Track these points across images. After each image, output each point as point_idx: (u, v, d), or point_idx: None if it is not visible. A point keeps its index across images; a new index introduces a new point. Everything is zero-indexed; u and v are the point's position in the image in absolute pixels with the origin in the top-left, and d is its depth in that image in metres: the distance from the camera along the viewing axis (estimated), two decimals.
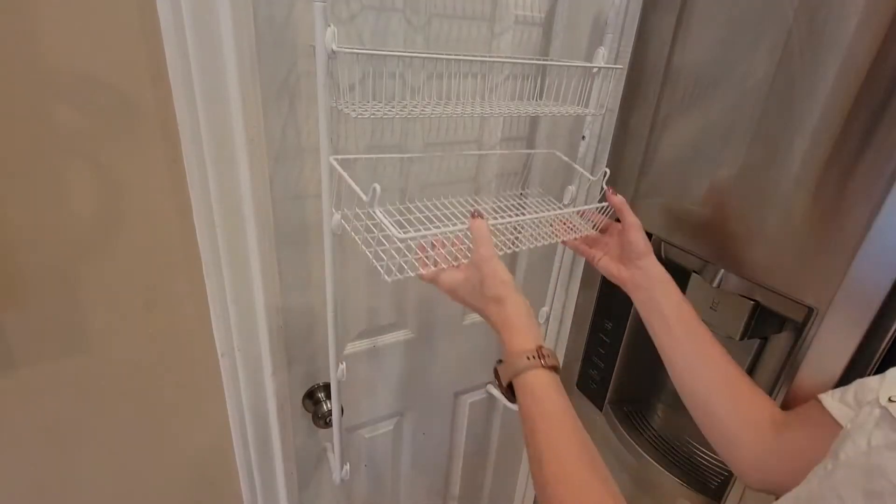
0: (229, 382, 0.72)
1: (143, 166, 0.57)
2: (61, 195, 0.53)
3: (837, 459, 0.37)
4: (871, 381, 0.44)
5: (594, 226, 0.72)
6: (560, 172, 0.91)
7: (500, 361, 0.52)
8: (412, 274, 0.55)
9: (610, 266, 0.68)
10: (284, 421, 0.78)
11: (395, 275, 0.55)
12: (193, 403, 0.72)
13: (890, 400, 0.37)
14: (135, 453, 0.70)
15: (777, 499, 0.42)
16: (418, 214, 0.69)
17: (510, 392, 0.51)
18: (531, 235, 0.69)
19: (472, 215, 0.55)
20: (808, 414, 0.49)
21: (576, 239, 0.72)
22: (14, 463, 0.62)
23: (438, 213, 0.71)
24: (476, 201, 0.86)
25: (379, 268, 0.55)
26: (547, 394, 0.47)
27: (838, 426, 0.44)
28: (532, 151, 0.88)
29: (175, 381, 0.69)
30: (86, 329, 0.60)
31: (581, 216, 0.73)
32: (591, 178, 0.75)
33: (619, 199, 0.67)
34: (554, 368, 0.49)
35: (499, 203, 0.79)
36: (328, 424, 0.82)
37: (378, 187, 0.51)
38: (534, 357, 0.48)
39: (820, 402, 0.46)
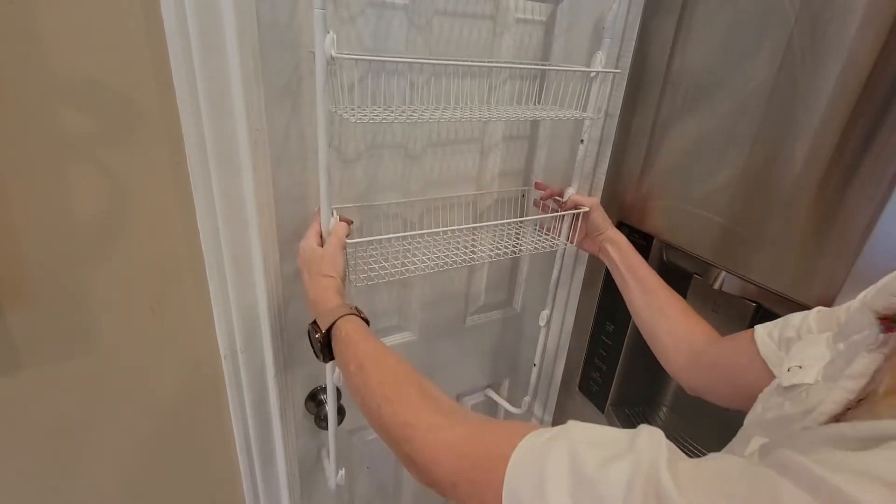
0: (232, 384, 0.73)
1: (148, 169, 0.57)
2: (67, 198, 0.54)
3: (743, 423, 0.43)
4: (794, 319, 0.50)
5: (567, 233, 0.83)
6: (559, 174, 0.92)
7: (313, 322, 0.58)
8: (375, 281, 0.64)
9: (582, 243, 0.82)
10: (287, 422, 0.79)
11: (361, 281, 0.63)
12: (196, 405, 0.73)
13: (788, 370, 0.41)
14: (138, 454, 0.71)
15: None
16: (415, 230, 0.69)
17: (326, 347, 0.57)
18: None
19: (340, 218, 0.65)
20: (741, 337, 0.56)
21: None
22: (18, 462, 0.62)
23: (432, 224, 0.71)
24: (475, 203, 0.87)
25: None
26: (368, 332, 0.55)
27: (757, 351, 0.51)
28: (525, 188, 0.90)
29: (178, 382, 0.70)
30: (90, 331, 0.61)
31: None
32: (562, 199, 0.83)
33: (573, 198, 0.80)
34: (366, 321, 0.57)
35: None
36: None
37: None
38: (351, 308, 0.57)
39: (753, 329, 0.54)
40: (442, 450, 0.39)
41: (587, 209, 0.78)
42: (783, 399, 0.39)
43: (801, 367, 0.40)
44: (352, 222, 0.68)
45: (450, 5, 0.68)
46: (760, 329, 0.53)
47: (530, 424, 0.37)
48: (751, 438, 0.37)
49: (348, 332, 0.54)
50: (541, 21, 0.77)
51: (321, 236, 0.64)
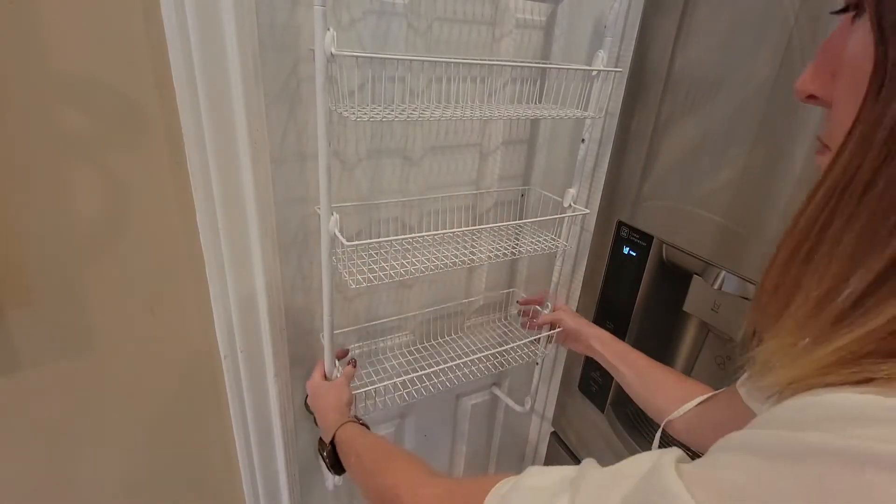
0: (232, 384, 0.73)
1: (148, 169, 0.57)
2: (67, 198, 0.54)
3: None
4: None
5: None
6: (559, 176, 0.92)
7: (319, 440, 0.69)
8: (375, 283, 0.66)
9: (567, 345, 0.88)
10: (286, 422, 0.79)
11: (360, 283, 0.65)
12: (196, 405, 0.73)
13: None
14: (137, 454, 0.71)
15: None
16: (416, 235, 0.70)
17: (335, 459, 0.64)
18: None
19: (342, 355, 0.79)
20: (728, 391, 0.59)
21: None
22: (18, 462, 0.62)
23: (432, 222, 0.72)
24: (473, 207, 0.87)
25: (345, 275, 0.66)
26: (365, 431, 0.62)
27: (742, 402, 0.54)
28: (525, 188, 0.90)
29: (178, 382, 0.70)
30: (89, 331, 0.60)
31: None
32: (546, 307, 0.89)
33: (544, 318, 0.87)
34: (365, 426, 0.65)
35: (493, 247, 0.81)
36: None
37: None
38: (350, 418, 0.65)
39: (735, 385, 0.58)
40: (427, 503, 0.46)
41: (560, 329, 0.85)
42: None
43: None
44: (355, 365, 0.77)
45: (449, 8, 0.68)
46: (738, 384, 0.57)
47: (500, 476, 0.40)
48: None
49: (347, 435, 0.62)
50: (540, 22, 0.78)
51: (325, 376, 0.74)
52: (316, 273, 0.75)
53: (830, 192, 0.26)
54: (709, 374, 0.85)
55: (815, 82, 0.30)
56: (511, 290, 1.01)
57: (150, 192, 0.58)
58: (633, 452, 0.90)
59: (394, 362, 0.77)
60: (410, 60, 0.62)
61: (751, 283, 0.70)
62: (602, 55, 0.70)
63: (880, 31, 0.24)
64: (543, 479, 0.37)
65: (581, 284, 1.01)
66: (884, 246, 0.24)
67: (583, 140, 0.78)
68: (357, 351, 0.86)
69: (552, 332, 0.86)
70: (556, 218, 0.81)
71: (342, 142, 0.69)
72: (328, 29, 0.49)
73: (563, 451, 1.12)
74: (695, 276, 0.78)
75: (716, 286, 0.74)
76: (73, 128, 0.52)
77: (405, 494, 0.48)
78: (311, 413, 0.85)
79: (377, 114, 0.56)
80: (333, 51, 0.50)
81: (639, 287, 0.87)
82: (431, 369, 0.78)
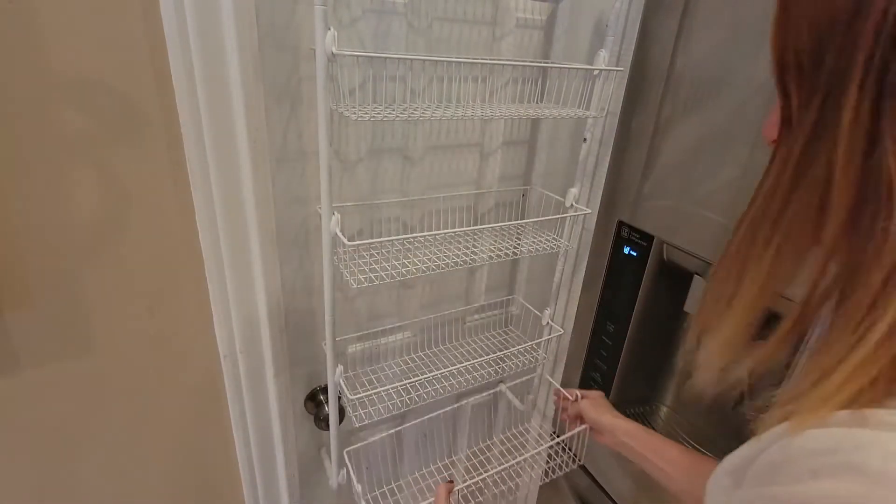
0: (231, 385, 0.73)
1: (148, 169, 0.57)
2: (66, 198, 0.54)
3: None
4: None
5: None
6: (560, 176, 0.91)
7: None
8: (377, 283, 0.66)
9: (595, 438, 0.82)
10: (286, 423, 0.78)
11: (362, 283, 0.64)
12: (196, 406, 0.73)
13: None
14: (137, 455, 0.71)
15: None
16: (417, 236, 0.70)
17: None
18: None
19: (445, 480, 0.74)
20: None
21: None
22: (17, 463, 0.62)
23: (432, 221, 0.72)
24: (473, 208, 0.87)
25: (346, 275, 0.65)
26: None
27: None
28: (526, 187, 0.90)
29: (178, 383, 0.69)
30: (88, 331, 0.60)
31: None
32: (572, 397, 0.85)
33: (564, 415, 0.86)
34: None
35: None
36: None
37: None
38: None
39: None
40: None
41: (585, 427, 0.81)
42: None
43: None
44: (452, 482, 0.74)
45: (449, 7, 0.68)
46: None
47: None
48: None
49: None
50: (541, 21, 0.77)
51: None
52: (317, 273, 0.75)
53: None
54: None
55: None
56: (512, 296, 1.01)
57: (150, 192, 0.58)
58: None
59: (395, 369, 0.77)
60: (411, 60, 0.62)
61: None
62: (603, 54, 0.70)
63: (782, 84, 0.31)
64: None
65: (582, 285, 1.01)
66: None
67: (585, 139, 0.78)
68: (361, 350, 0.86)
69: (577, 430, 0.82)
70: (557, 218, 0.81)
71: (343, 141, 0.69)
72: (329, 28, 0.49)
73: (562, 451, 1.12)
74: (695, 275, 0.78)
75: None
76: (72, 128, 0.52)
77: None
78: (311, 413, 0.85)
79: (378, 113, 0.56)
80: (334, 50, 0.50)
81: (639, 287, 0.87)
82: (433, 374, 0.78)
